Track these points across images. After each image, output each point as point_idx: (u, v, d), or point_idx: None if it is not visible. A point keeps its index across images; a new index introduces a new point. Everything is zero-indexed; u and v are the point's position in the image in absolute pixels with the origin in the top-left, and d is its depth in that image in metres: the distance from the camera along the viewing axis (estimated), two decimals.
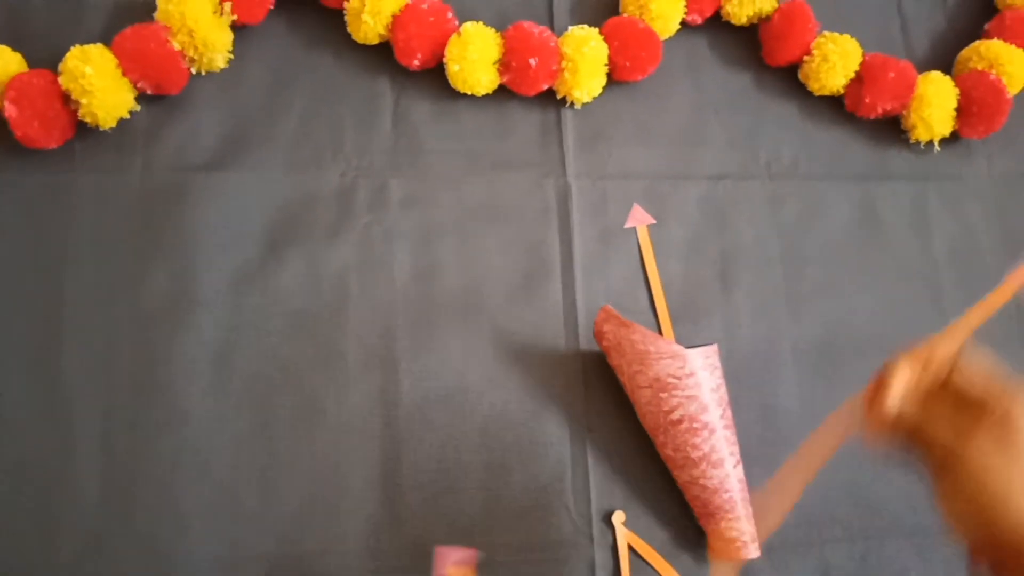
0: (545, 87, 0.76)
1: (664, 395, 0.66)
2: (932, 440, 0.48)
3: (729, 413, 0.68)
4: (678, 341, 0.73)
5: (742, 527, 0.67)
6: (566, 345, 0.74)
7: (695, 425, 0.66)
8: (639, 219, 0.77)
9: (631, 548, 0.70)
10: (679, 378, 0.66)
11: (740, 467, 0.68)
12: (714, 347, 0.68)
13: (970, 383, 0.48)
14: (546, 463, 0.71)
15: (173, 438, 0.67)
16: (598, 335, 0.70)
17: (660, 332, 0.75)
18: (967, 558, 0.47)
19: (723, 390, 0.68)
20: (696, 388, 0.66)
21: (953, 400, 0.48)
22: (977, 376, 0.48)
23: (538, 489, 0.70)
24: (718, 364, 0.68)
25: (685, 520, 0.71)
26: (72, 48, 0.68)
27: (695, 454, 0.66)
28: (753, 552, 0.67)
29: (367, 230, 0.73)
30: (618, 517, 0.70)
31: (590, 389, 0.73)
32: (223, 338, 0.69)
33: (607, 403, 0.72)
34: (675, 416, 0.66)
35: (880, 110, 0.80)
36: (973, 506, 0.46)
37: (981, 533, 0.46)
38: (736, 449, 0.68)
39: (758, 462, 0.72)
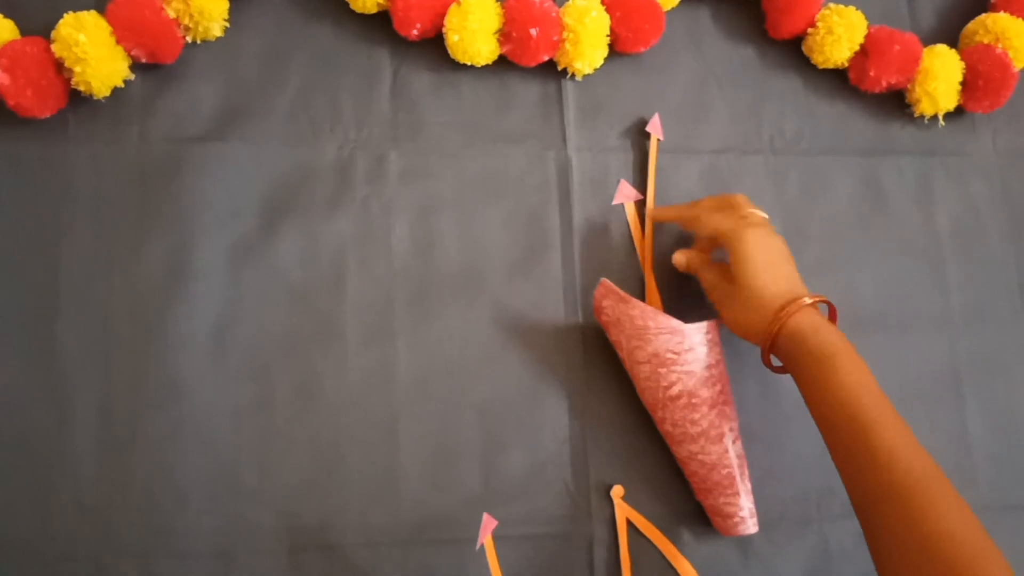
0: (546, 58, 0.75)
1: (663, 370, 0.66)
2: (706, 281, 0.69)
3: (728, 389, 0.68)
4: (676, 316, 0.73)
5: (740, 503, 0.67)
6: (565, 319, 0.73)
7: (694, 400, 0.66)
8: (626, 195, 0.76)
9: (629, 522, 0.69)
10: (678, 353, 0.65)
11: (739, 443, 0.67)
12: (714, 322, 0.68)
13: (709, 227, 0.67)
14: (544, 438, 0.71)
15: (170, 412, 0.67)
16: (597, 310, 0.70)
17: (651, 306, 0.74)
18: (761, 356, 0.65)
19: (722, 366, 0.68)
20: (695, 363, 0.66)
21: (708, 244, 0.71)
22: (712, 221, 0.67)
23: (536, 464, 0.70)
24: (718, 340, 0.68)
25: (683, 495, 0.71)
26: (65, 15, 0.66)
27: (693, 429, 0.66)
28: (751, 528, 0.67)
29: (365, 203, 0.73)
30: (616, 492, 0.70)
31: (589, 364, 0.72)
32: (220, 312, 0.69)
33: (606, 378, 0.72)
34: (674, 391, 0.66)
35: (885, 84, 0.79)
36: (743, 318, 0.65)
37: (755, 334, 0.64)
38: (735, 425, 0.67)
39: (758, 438, 0.72)
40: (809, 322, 0.61)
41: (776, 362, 0.65)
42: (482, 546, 0.66)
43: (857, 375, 0.58)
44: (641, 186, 0.77)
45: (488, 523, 0.67)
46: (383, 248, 0.72)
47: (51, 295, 0.67)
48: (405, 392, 0.70)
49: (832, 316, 0.66)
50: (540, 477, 0.70)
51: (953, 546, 0.51)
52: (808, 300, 0.62)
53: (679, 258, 0.71)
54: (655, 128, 0.77)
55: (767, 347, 0.63)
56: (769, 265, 0.63)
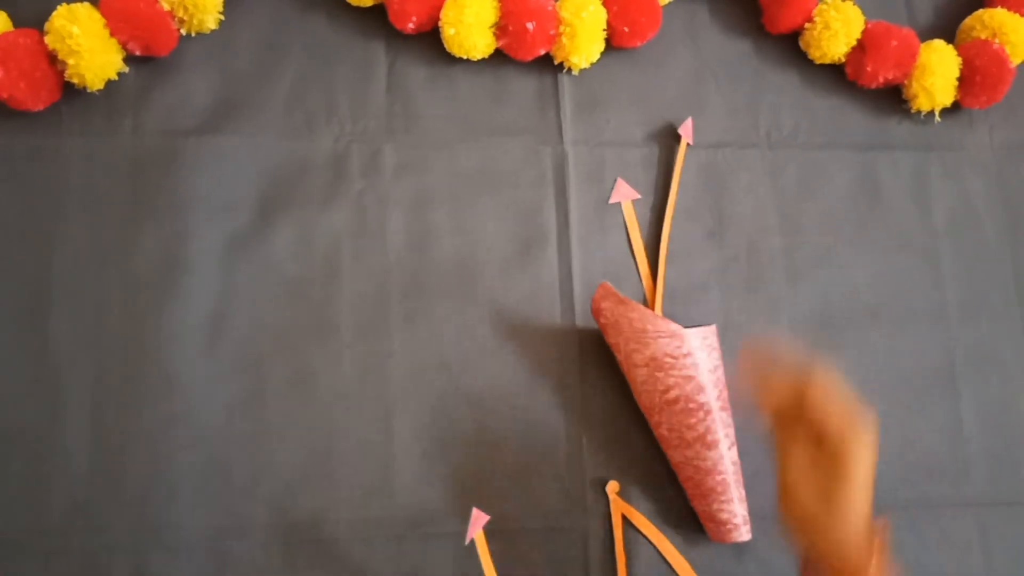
0: (542, 52, 0.75)
1: (660, 374, 0.66)
2: (784, 461, 0.55)
3: (726, 394, 0.67)
4: (673, 314, 0.73)
5: (734, 509, 0.67)
6: (561, 314, 0.73)
7: (691, 405, 0.65)
8: (624, 194, 0.76)
9: (624, 518, 0.69)
10: (676, 358, 0.65)
11: (735, 449, 0.67)
12: (713, 328, 0.67)
13: (818, 410, 0.53)
14: (539, 433, 0.71)
15: (164, 405, 0.66)
16: (595, 312, 0.69)
17: (647, 305, 0.74)
18: (799, 567, 0.55)
19: (720, 371, 0.67)
20: (693, 368, 0.65)
21: (802, 421, 0.54)
22: (824, 404, 0.53)
23: (531, 459, 0.70)
24: (716, 345, 0.68)
25: (678, 491, 0.70)
26: (59, 7, 0.66)
27: (689, 435, 0.66)
28: (745, 535, 0.67)
29: (361, 197, 0.73)
30: (612, 487, 0.70)
31: (585, 359, 0.72)
32: (214, 305, 0.69)
33: (602, 374, 0.72)
34: (671, 396, 0.66)
35: (882, 79, 0.78)
36: (806, 526, 0.53)
37: (812, 546, 0.53)
38: (731, 431, 0.67)
39: (752, 435, 0.71)
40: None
41: None
42: (472, 541, 0.66)
43: None
44: (638, 182, 0.76)
45: (478, 518, 0.66)
46: (378, 242, 0.72)
47: (44, 288, 0.67)
48: (399, 386, 0.70)
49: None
50: (535, 472, 0.70)
51: None
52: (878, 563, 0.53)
53: (766, 415, 0.57)
54: (686, 132, 0.77)
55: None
56: (870, 494, 0.53)
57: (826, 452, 0.53)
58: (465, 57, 0.74)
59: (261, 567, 0.65)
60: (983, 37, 0.80)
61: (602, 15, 0.74)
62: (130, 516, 0.64)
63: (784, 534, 0.55)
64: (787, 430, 0.55)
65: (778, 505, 0.55)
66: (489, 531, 0.68)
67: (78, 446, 0.65)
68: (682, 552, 0.69)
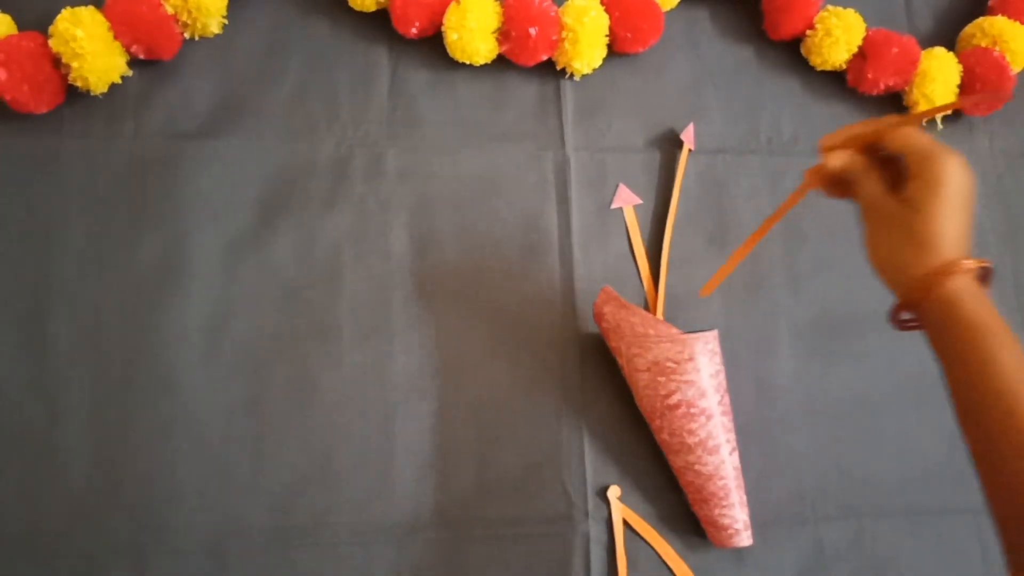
0: (544, 57, 0.75)
1: (662, 379, 0.66)
2: (867, 190, 0.52)
3: (727, 399, 0.68)
4: (674, 320, 0.73)
5: (735, 514, 0.67)
6: (563, 319, 0.73)
7: (692, 411, 0.66)
8: (625, 199, 0.76)
9: (626, 523, 0.69)
10: (678, 363, 0.65)
11: (736, 454, 0.67)
12: (714, 333, 0.67)
13: (905, 140, 0.51)
14: (541, 438, 0.71)
15: (164, 408, 0.66)
16: (597, 316, 0.69)
17: (648, 311, 0.74)
18: (892, 307, 0.52)
19: (722, 376, 0.67)
20: (695, 373, 0.65)
21: (886, 156, 0.52)
22: (912, 135, 0.51)
23: (533, 464, 0.70)
24: (718, 350, 0.68)
25: (679, 496, 0.70)
26: (63, 10, 0.66)
27: (691, 440, 0.66)
28: (746, 540, 0.67)
29: (362, 201, 0.73)
30: (613, 492, 0.70)
31: (586, 363, 0.72)
32: (215, 308, 0.69)
33: (603, 378, 0.72)
34: (672, 400, 0.66)
35: (882, 86, 0.79)
36: (897, 251, 0.51)
37: (903, 277, 0.50)
38: (732, 436, 0.67)
39: (754, 441, 0.72)
40: (974, 289, 0.50)
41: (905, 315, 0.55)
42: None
43: (1022, 362, 0.48)
44: (639, 188, 0.76)
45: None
46: (380, 246, 0.72)
47: (44, 290, 0.67)
48: (401, 390, 0.70)
49: (985, 278, 0.53)
50: (536, 477, 0.70)
51: None
52: (976, 264, 0.50)
53: (837, 158, 0.53)
54: (688, 138, 0.77)
55: (914, 297, 0.50)
56: (961, 205, 0.50)
57: (915, 173, 0.50)
58: (467, 62, 0.74)
59: (261, 569, 0.65)
60: (983, 44, 0.80)
61: (604, 21, 0.74)
62: (130, 518, 0.64)
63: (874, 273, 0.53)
64: (865, 163, 0.53)
65: (867, 244, 0.53)
66: (490, 536, 0.68)
67: (77, 448, 0.65)
68: (683, 557, 0.69)
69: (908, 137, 0.51)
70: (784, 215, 0.59)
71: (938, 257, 0.49)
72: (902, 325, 0.54)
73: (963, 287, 0.49)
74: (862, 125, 0.53)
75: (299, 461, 0.67)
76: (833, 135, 0.54)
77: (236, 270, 0.69)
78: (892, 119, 0.52)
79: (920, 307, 0.51)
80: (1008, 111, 0.81)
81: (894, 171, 0.52)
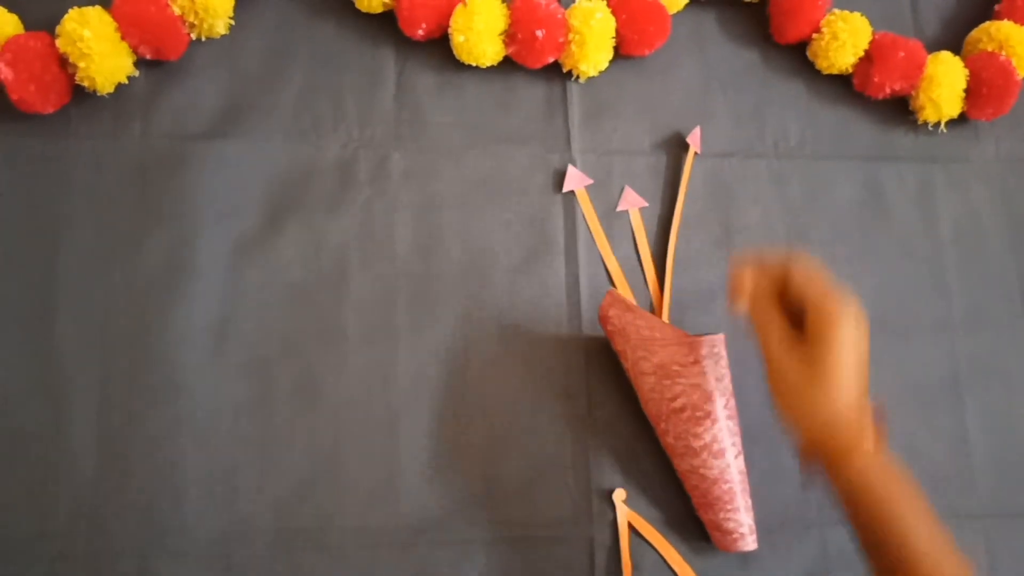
0: (551, 60, 0.75)
1: (668, 382, 0.66)
2: (766, 343, 0.54)
3: (733, 403, 0.67)
4: (680, 323, 0.73)
5: (740, 518, 0.67)
6: (568, 322, 0.73)
7: (698, 414, 0.65)
8: (631, 202, 0.76)
9: (631, 526, 0.69)
10: (683, 366, 0.65)
11: (741, 458, 0.67)
12: (721, 336, 0.67)
13: (801, 292, 0.53)
14: (546, 441, 0.70)
15: (170, 409, 0.66)
16: (603, 319, 0.69)
17: (654, 314, 0.74)
18: (798, 455, 0.55)
19: (728, 380, 0.67)
20: (700, 377, 0.65)
21: (786, 307, 0.54)
22: (806, 287, 0.53)
23: (538, 467, 0.70)
24: (724, 353, 0.67)
25: (685, 499, 0.70)
26: (70, 10, 0.66)
27: (696, 443, 0.66)
28: (751, 544, 0.67)
29: (368, 203, 0.73)
30: (619, 495, 0.69)
31: (591, 366, 0.72)
32: (221, 310, 0.69)
33: (608, 381, 0.72)
34: (678, 404, 0.66)
35: (889, 90, 0.79)
36: (795, 405, 0.53)
37: (804, 426, 0.53)
38: (738, 440, 0.67)
39: (760, 445, 0.71)
40: (878, 464, 0.54)
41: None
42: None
43: (921, 519, 0.53)
44: (645, 191, 0.76)
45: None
46: (385, 248, 0.72)
47: (50, 291, 0.67)
48: (406, 392, 0.70)
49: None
50: (541, 480, 0.70)
51: None
52: (875, 435, 0.54)
53: (741, 306, 0.56)
54: (694, 141, 0.77)
55: (813, 467, 0.55)
56: (861, 371, 0.53)
57: (810, 329, 0.52)
58: (474, 64, 0.74)
59: (266, 572, 0.65)
60: (990, 49, 0.80)
61: (611, 23, 0.74)
62: (135, 520, 0.64)
63: (778, 419, 0.55)
64: (768, 314, 0.54)
65: (769, 390, 0.55)
66: (495, 539, 0.68)
67: (84, 450, 0.65)
68: (688, 561, 0.69)
69: (803, 289, 0.53)
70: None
71: (842, 423, 0.52)
72: (807, 474, 0.56)
73: (863, 465, 0.53)
74: (754, 272, 0.55)
75: (304, 463, 0.67)
76: (741, 278, 0.55)
77: (242, 271, 0.69)
78: (786, 266, 0.54)
79: (827, 476, 0.54)
80: (1014, 115, 0.81)
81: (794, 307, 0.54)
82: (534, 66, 0.75)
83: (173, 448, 0.66)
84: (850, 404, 0.52)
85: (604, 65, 0.76)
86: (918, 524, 0.52)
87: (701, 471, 0.66)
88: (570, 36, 0.73)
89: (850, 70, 0.80)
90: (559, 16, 0.73)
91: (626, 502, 0.70)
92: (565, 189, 0.75)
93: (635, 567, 0.69)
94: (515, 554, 0.68)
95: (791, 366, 0.53)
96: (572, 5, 0.74)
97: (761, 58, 0.82)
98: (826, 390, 0.52)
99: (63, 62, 0.67)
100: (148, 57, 0.70)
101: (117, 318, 0.67)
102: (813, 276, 0.53)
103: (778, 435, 0.72)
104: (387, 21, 0.75)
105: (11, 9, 0.68)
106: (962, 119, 0.82)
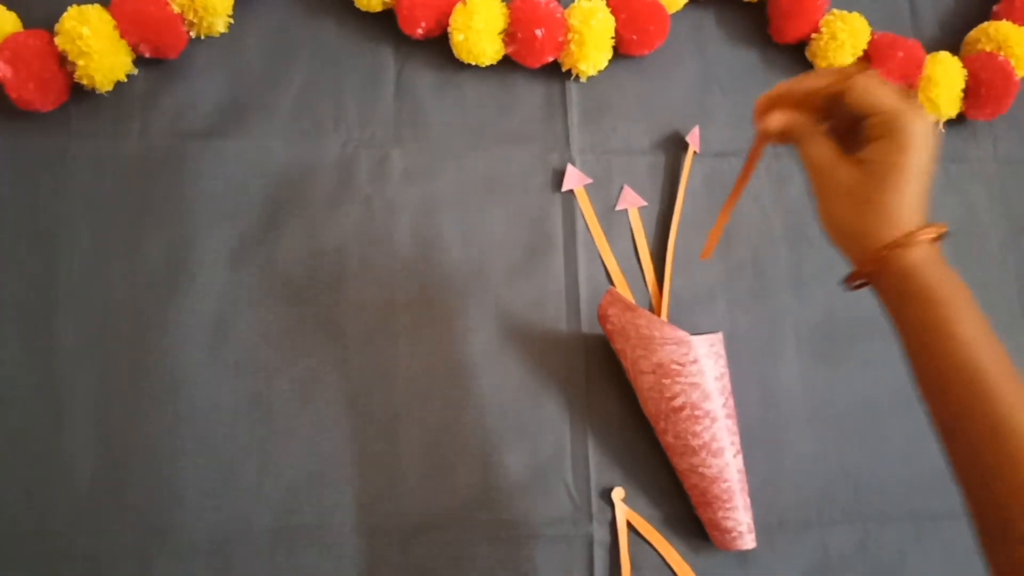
0: (550, 59, 0.75)
1: (667, 381, 0.66)
2: (815, 153, 0.49)
3: (731, 402, 0.68)
4: (679, 322, 0.73)
5: (739, 517, 0.67)
6: (567, 322, 0.73)
7: (696, 413, 0.65)
8: (630, 201, 0.76)
9: (630, 525, 0.69)
10: (683, 364, 0.65)
11: (740, 457, 0.67)
12: (719, 335, 0.67)
13: (868, 96, 0.47)
14: (545, 440, 0.71)
15: (169, 408, 0.66)
16: (602, 318, 0.69)
17: (653, 313, 0.74)
18: (848, 277, 0.50)
19: (726, 379, 0.67)
20: (699, 375, 0.65)
21: (845, 112, 0.48)
22: (875, 90, 0.47)
23: (537, 466, 0.70)
24: (723, 353, 0.68)
25: (684, 499, 0.70)
26: (69, 8, 0.66)
27: (695, 442, 0.66)
28: (749, 543, 0.67)
29: (368, 202, 0.73)
30: (618, 494, 0.69)
31: (591, 365, 0.72)
32: (221, 308, 0.69)
33: (607, 380, 0.72)
34: (677, 403, 0.66)
35: None
36: (856, 220, 0.48)
37: (861, 247, 0.48)
38: (737, 439, 0.67)
39: (759, 444, 0.71)
40: (933, 258, 0.47)
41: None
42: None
43: (983, 330, 0.46)
44: (644, 190, 0.76)
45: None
46: (385, 247, 0.72)
47: (50, 290, 0.67)
48: (405, 392, 0.70)
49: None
50: (540, 478, 0.70)
51: None
52: (935, 232, 0.47)
53: (776, 120, 0.51)
54: (693, 141, 0.77)
55: (872, 268, 0.48)
56: (925, 171, 0.47)
57: (875, 132, 0.47)
58: (473, 63, 0.74)
59: (266, 570, 0.65)
60: (988, 50, 0.80)
61: (610, 23, 0.74)
62: (134, 519, 0.64)
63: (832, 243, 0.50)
64: (811, 125, 0.50)
65: (817, 211, 0.50)
66: (494, 538, 0.68)
67: (83, 449, 0.65)
68: (687, 559, 0.69)
69: (870, 93, 0.47)
70: (751, 175, 0.57)
71: (898, 228, 0.47)
72: (855, 288, 0.51)
73: (922, 258, 0.47)
74: (805, 79, 0.50)
75: (304, 462, 0.67)
76: (770, 94, 0.50)
77: (242, 270, 0.69)
78: (845, 69, 0.49)
79: (878, 278, 0.49)
80: (1013, 116, 0.81)
81: (842, 128, 0.49)
82: (533, 65, 0.75)
83: (172, 447, 0.66)
84: (914, 205, 0.47)
85: (603, 65, 0.76)
86: (967, 329, 0.46)
87: (700, 470, 0.67)
88: (569, 35, 0.73)
89: None
90: (559, 15, 0.73)
91: (625, 501, 0.70)
92: (564, 188, 0.75)
93: (634, 566, 0.69)
94: (515, 553, 0.68)
95: (840, 169, 0.48)
96: (572, 5, 0.74)
97: (760, 58, 0.82)
98: (892, 185, 0.46)
99: (62, 60, 0.66)
100: (147, 55, 0.70)
101: (116, 316, 0.67)
102: (873, 85, 0.47)
103: (777, 434, 0.73)
104: (387, 20, 0.75)
105: (10, 7, 0.68)
106: (960, 119, 0.82)
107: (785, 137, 0.51)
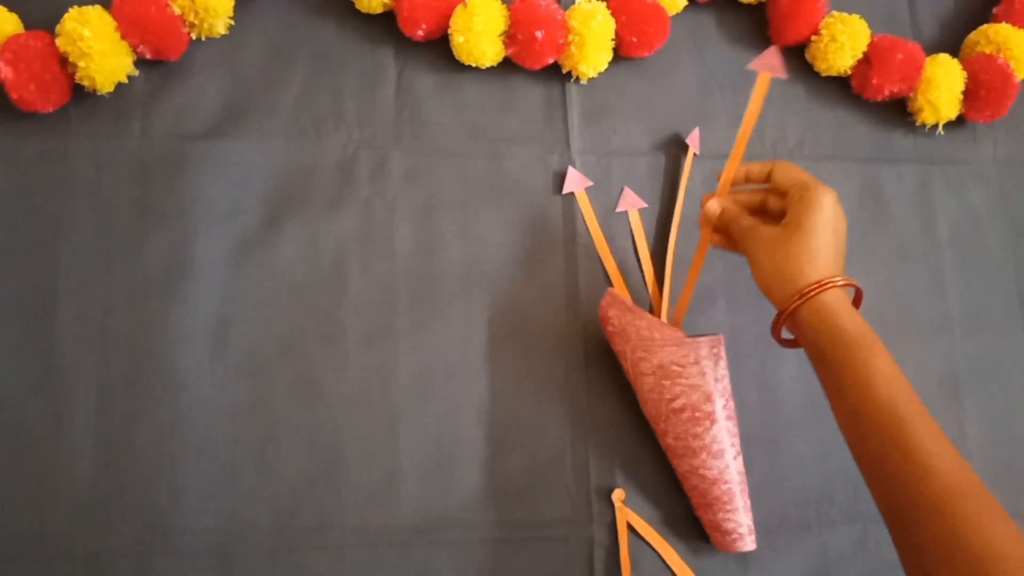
0: (551, 61, 0.75)
1: (667, 383, 0.66)
2: (744, 224, 0.61)
3: (732, 404, 0.67)
4: (682, 329, 0.73)
5: (739, 519, 0.67)
6: (567, 322, 0.73)
7: (697, 414, 0.65)
8: (630, 203, 0.76)
9: (630, 526, 0.69)
10: (683, 366, 0.65)
11: (740, 459, 0.67)
12: (720, 337, 0.67)
13: (786, 174, 0.61)
14: (545, 441, 0.71)
15: (169, 410, 0.66)
16: (603, 319, 0.69)
17: (653, 314, 0.74)
18: (774, 321, 0.59)
19: (727, 381, 0.67)
20: (700, 377, 0.65)
21: (767, 194, 0.64)
22: (791, 169, 0.62)
23: (537, 467, 0.70)
24: (723, 354, 0.68)
25: (684, 500, 0.70)
26: (70, 9, 0.66)
27: (695, 444, 0.66)
28: (750, 544, 0.67)
29: (368, 203, 0.73)
30: (618, 495, 0.69)
31: (591, 367, 0.72)
32: (221, 310, 0.69)
33: (608, 382, 0.72)
34: (677, 404, 0.66)
35: (887, 92, 0.79)
36: (780, 268, 0.57)
37: (784, 292, 0.57)
38: (737, 441, 0.67)
39: (759, 446, 0.72)
40: (846, 303, 0.56)
41: (787, 335, 0.61)
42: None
43: (892, 368, 0.53)
44: (644, 192, 0.77)
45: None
46: (385, 248, 0.72)
47: (50, 290, 0.67)
48: (405, 392, 0.70)
49: (856, 301, 0.61)
50: (540, 480, 0.70)
51: (1008, 568, 0.45)
52: (847, 282, 0.57)
53: (713, 206, 0.64)
54: (693, 142, 0.77)
55: (789, 310, 0.57)
56: (836, 231, 0.58)
57: (790, 206, 0.59)
58: (474, 65, 0.74)
59: (266, 571, 0.65)
60: (988, 52, 0.81)
61: (610, 25, 0.74)
62: (135, 520, 0.64)
63: (765, 295, 0.59)
64: (741, 211, 0.63)
65: (752, 277, 0.60)
66: (494, 539, 0.68)
67: (83, 449, 0.65)
68: (687, 561, 0.69)
69: (790, 171, 0.61)
70: (704, 255, 0.67)
71: (816, 272, 0.56)
72: (783, 342, 0.61)
73: (837, 300, 0.55)
74: (739, 165, 0.64)
75: (304, 463, 0.67)
76: (729, 172, 0.64)
77: (242, 271, 0.69)
78: (765, 163, 0.64)
79: (798, 317, 0.57)
80: (1012, 118, 0.81)
81: (765, 217, 0.63)
82: (534, 67, 0.75)
83: (172, 448, 0.66)
84: (828, 259, 0.57)
85: (603, 66, 0.76)
86: (880, 364, 0.54)
87: (700, 471, 0.67)
88: (570, 37, 0.73)
89: (849, 72, 0.80)
90: (559, 17, 0.73)
91: (625, 502, 0.70)
92: (565, 191, 0.75)
93: (634, 567, 0.69)
94: (515, 554, 0.68)
95: (764, 231, 0.59)
96: (572, 7, 0.74)
97: None
98: (805, 242, 0.56)
99: (63, 61, 0.67)
100: (148, 57, 0.70)
101: (117, 317, 0.67)
102: (792, 168, 0.62)
103: (777, 434, 0.73)
104: (387, 21, 0.75)
105: (11, 8, 0.68)
106: (960, 121, 0.82)
107: (722, 220, 0.64)
